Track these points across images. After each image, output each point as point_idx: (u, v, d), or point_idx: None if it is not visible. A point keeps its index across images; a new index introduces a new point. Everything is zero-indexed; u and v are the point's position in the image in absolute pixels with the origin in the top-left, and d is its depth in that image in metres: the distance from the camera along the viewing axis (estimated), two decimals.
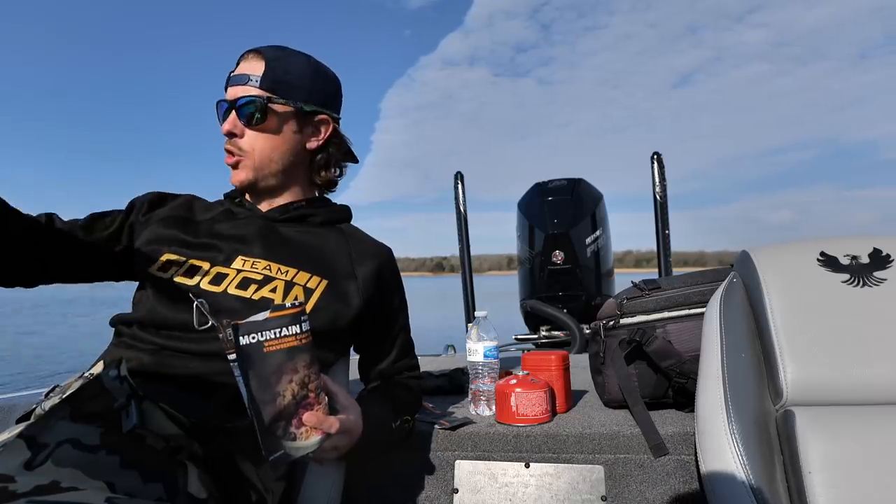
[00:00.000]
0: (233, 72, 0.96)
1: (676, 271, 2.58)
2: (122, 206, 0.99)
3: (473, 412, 1.20)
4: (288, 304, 0.71)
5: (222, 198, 1.05)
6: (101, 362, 0.82)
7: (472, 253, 3.09)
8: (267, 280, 0.89)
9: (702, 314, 1.01)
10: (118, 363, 0.75)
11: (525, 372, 1.19)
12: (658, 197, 2.83)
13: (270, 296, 0.87)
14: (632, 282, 1.23)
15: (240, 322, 0.68)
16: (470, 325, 1.23)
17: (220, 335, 0.67)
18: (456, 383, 1.44)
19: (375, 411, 0.91)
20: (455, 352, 2.87)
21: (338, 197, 1.10)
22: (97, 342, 0.95)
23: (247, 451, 0.77)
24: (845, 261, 0.92)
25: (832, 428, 0.78)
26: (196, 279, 0.87)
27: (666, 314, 1.15)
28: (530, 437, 1.07)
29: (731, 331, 0.91)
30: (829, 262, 0.92)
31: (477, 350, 1.17)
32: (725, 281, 1.00)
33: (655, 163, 2.85)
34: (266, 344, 0.68)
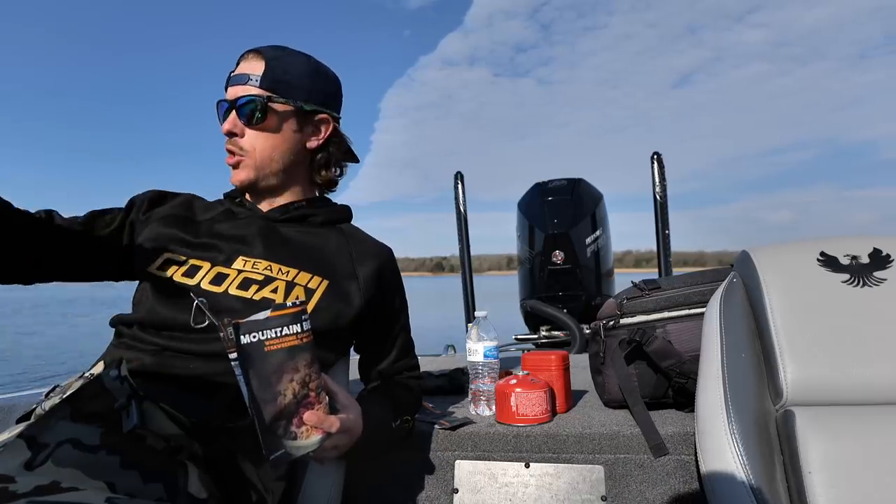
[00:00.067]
0: (233, 72, 0.96)
1: (676, 271, 2.58)
2: (126, 202, 0.99)
3: (473, 412, 1.20)
4: (289, 304, 0.71)
5: (222, 197, 1.05)
6: (102, 362, 0.82)
7: (472, 253, 3.09)
8: (268, 280, 0.89)
9: (702, 314, 1.01)
10: (119, 363, 0.75)
11: (525, 372, 1.19)
12: (658, 197, 2.84)
13: (271, 296, 0.87)
14: (632, 282, 1.23)
15: (241, 321, 0.68)
16: (470, 325, 1.23)
17: (222, 334, 0.68)
18: (456, 383, 1.44)
19: (375, 411, 0.91)
20: (455, 352, 2.87)
21: (338, 197, 1.09)
22: (97, 342, 0.95)
23: (247, 451, 0.77)
24: (845, 261, 0.92)
25: (832, 428, 0.78)
26: (196, 279, 0.87)
27: (666, 314, 1.15)
28: (530, 437, 1.07)
29: (731, 331, 0.91)
30: (829, 262, 0.92)
31: (477, 350, 1.17)
32: (725, 281, 1.00)
33: (655, 163, 2.85)
34: (267, 343, 0.68)
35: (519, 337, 3.00)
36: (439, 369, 1.56)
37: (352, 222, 1.08)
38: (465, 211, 3.04)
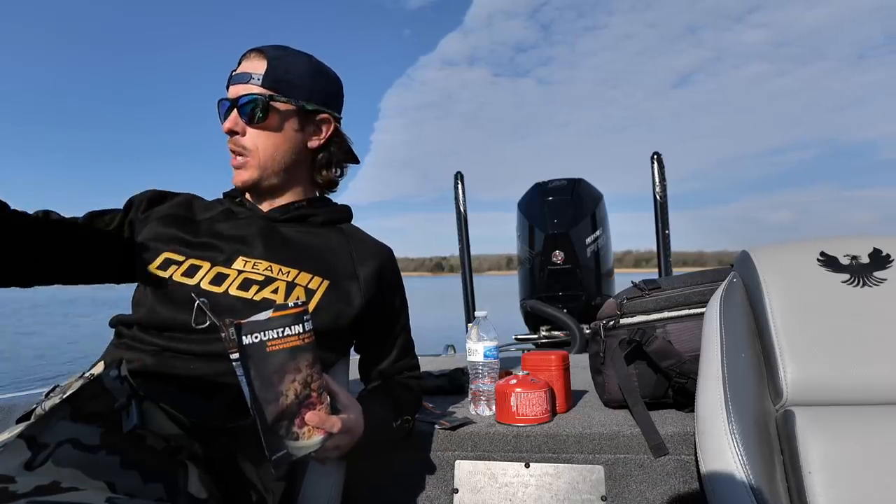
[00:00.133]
0: (234, 70, 0.96)
1: (676, 271, 2.58)
2: (125, 202, 0.99)
3: (473, 412, 1.20)
4: (291, 304, 0.71)
5: (221, 197, 1.05)
6: (102, 362, 0.82)
7: (472, 253, 3.09)
8: (268, 281, 0.89)
9: (702, 314, 1.01)
10: (119, 363, 0.75)
11: (525, 372, 1.19)
12: (658, 197, 2.84)
13: (272, 297, 0.87)
14: (632, 282, 1.23)
15: (242, 321, 0.68)
16: (470, 325, 1.23)
17: (223, 334, 0.68)
18: (456, 383, 1.44)
19: (376, 411, 0.91)
20: (455, 352, 2.87)
21: (337, 197, 1.09)
22: (98, 342, 0.95)
23: (247, 452, 0.77)
24: (845, 261, 0.92)
25: (832, 428, 0.78)
26: (196, 279, 0.87)
27: (666, 314, 1.15)
28: (530, 437, 1.07)
29: (731, 331, 0.91)
30: (829, 262, 0.92)
31: (477, 350, 1.17)
32: (725, 281, 1.00)
33: (655, 163, 2.85)
34: (269, 343, 0.68)
35: (519, 337, 3.00)
36: (439, 369, 1.56)
37: (352, 222, 1.08)
38: (465, 211, 3.05)
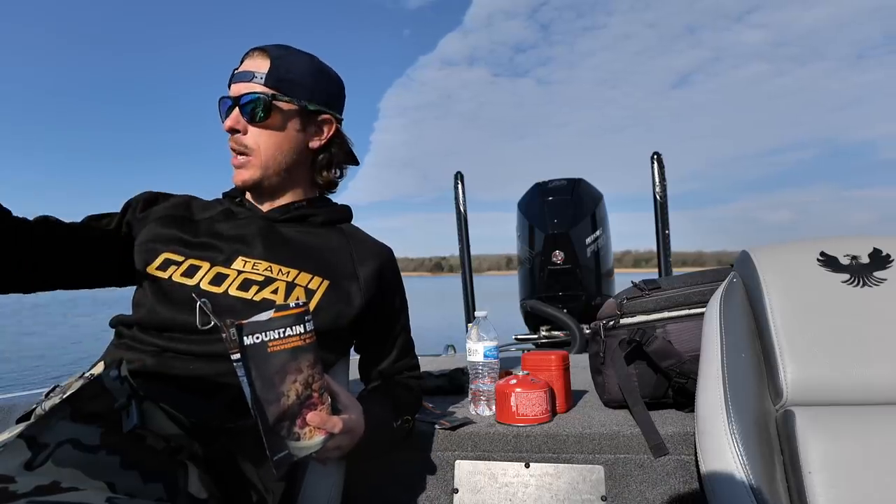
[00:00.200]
0: (237, 69, 0.95)
1: (675, 271, 2.58)
2: (122, 205, 0.99)
3: (473, 412, 1.20)
4: (292, 304, 0.71)
5: (221, 197, 1.04)
6: (102, 363, 0.82)
7: (472, 253, 3.09)
8: (268, 281, 0.89)
9: (702, 314, 1.01)
10: (119, 363, 0.75)
11: (525, 372, 1.19)
12: (658, 197, 2.84)
13: (272, 297, 0.87)
14: (632, 282, 1.23)
15: (244, 322, 0.68)
16: (470, 325, 1.23)
17: (224, 335, 0.67)
18: (456, 383, 1.44)
19: (376, 411, 0.91)
20: (455, 352, 2.87)
21: (337, 197, 1.09)
22: (99, 342, 0.95)
23: (248, 452, 0.77)
24: (845, 261, 0.92)
25: (832, 428, 0.78)
26: (196, 279, 0.87)
27: (666, 314, 1.15)
28: (530, 437, 1.07)
29: (731, 331, 0.91)
30: (829, 262, 0.92)
31: (477, 350, 1.17)
32: (725, 281, 1.00)
33: (655, 163, 2.85)
34: (270, 344, 0.68)
35: (519, 337, 3.00)
36: (439, 369, 1.56)
37: (352, 222, 1.08)
38: (464, 211, 3.05)
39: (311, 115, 0.98)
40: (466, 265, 3.06)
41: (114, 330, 0.90)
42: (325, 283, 0.92)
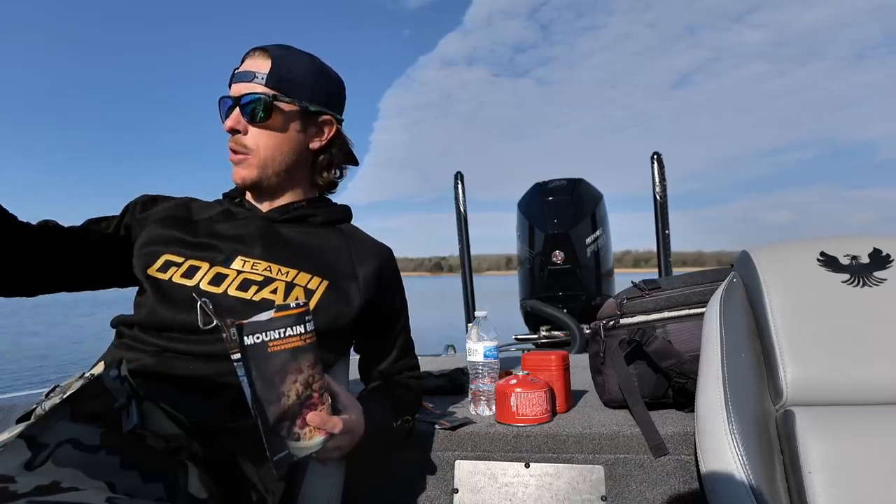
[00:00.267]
0: (237, 68, 0.95)
1: (675, 271, 2.58)
2: (122, 205, 0.99)
3: (473, 412, 1.20)
4: (292, 304, 0.71)
5: (220, 197, 1.04)
6: (102, 363, 0.83)
7: (472, 253, 3.09)
8: (267, 281, 0.89)
9: (702, 314, 1.01)
10: (119, 363, 0.75)
11: (525, 372, 1.19)
12: (658, 197, 2.84)
13: (271, 297, 0.87)
14: (632, 282, 1.23)
15: (244, 322, 0.68)
16: (470, 325, 1.23)
17: (224, 335, 0.67)
18: (456, 383, 1.44)
19: (376, 411, 0.91)
20: (455, 352, 2.87)
21: (337, 197, 1.10)
22: (100, 343, 0.95)
23: (248, 452, 0.77)
24: (845, 261, 0.92)
25: (832, 428, 0.78)
26: (195, 279, 0.87)
27: (666, 314, 1.15)
28: (530, 437, 1.07)
29: (731, 331, 0.91)
30: (829, 262, 0.92)
31: (477, 350, 1.17)
32: (725, 281, 1.00)
33: (655, 163, 2.85)
34: (271, 344, 0.68)
35: (519, 337, 3.00)
36: (439, 369, 1.56)
37: (351, 222, 1.08)
38: (464, 211, 3.05)
39: (311, 115, 0.98)
40: (466, 265, 3.06)
41: (115, 330, 0.90)
42: (325, 283, 0.92)
